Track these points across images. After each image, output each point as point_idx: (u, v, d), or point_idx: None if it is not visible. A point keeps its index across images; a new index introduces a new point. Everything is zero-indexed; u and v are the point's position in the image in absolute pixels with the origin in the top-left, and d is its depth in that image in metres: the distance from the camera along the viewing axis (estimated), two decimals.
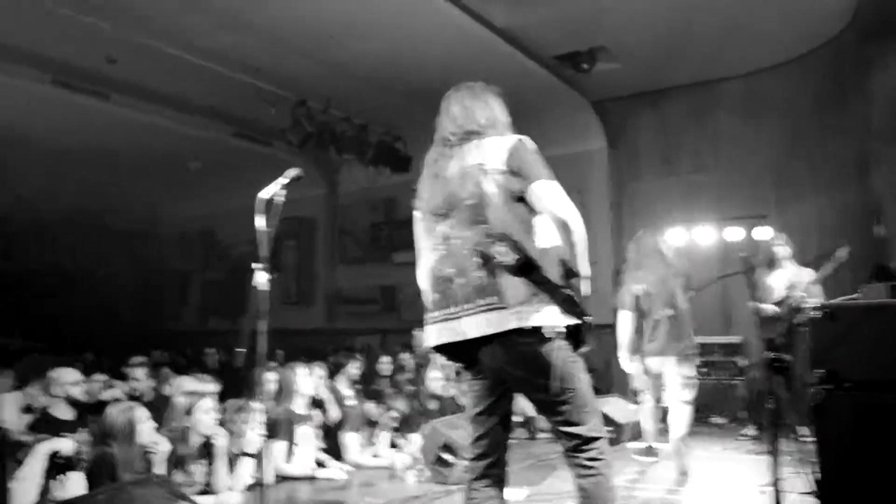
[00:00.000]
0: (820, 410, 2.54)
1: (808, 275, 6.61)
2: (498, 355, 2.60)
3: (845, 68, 8.68)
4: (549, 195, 2.59)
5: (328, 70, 9.08)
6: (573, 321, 2.59)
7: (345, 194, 13.41)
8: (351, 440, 5.65)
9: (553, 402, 2.61)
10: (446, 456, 5.06)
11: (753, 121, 9.84)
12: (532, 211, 2.63)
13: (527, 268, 2.55)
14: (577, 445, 2.62)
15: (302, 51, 8.58)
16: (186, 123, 10.57)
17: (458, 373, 2.94)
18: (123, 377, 6.39)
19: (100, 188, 13.34)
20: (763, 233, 6.71)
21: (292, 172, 3.77)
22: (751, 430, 7.10)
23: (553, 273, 2.58)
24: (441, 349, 2.76)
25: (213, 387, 5.35)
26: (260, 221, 3.68)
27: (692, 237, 9.63)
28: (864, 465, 2.41)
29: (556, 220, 2.58)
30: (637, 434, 6.97)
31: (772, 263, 6.83)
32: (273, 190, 3.75)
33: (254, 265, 3.70)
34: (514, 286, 2.53)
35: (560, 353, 2.55)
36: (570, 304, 2.58)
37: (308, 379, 5.47)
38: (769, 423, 2.25)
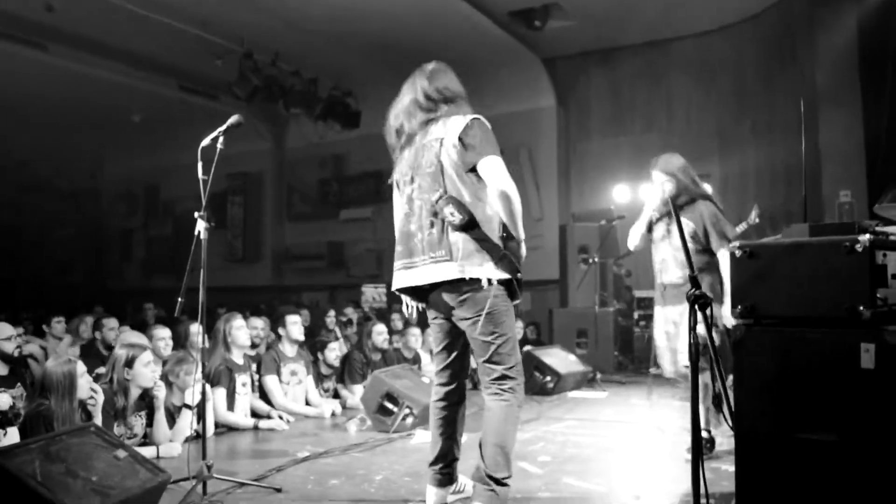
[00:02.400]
0: (739, 346, 2.60)
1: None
2: (446, 299, 3.04)
3: (792, 29, 8.81)
4: (492, 170, 2.95)
5: (278, 23, 8.88)
6: (506, 276, 2.98)
7: (292, 150, 13.17)
8: (272, 383, 5.63)
9: (484, 342, 2.98)
10: (388, 405, 5.13)
11: (703, 81, 9.97)
12: (481, 180, 2.99)
13: (471, 228, 2.96)
14: (497, 378, 3.01)
15: (250, 2, 8.39)
16: (129, 76, 10.27)
17: (417, 315, 3.37)
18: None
19: (43, 144, 12.95)
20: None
21: (233, 119, 3.75)
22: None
23: (494, 235, 3.00)
24: (403, 291, 3.22)
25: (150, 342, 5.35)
26: (201, 170, 3.65)
27: (637, 195, 9.76)
28: (780, 397, 2.49)
29: (497, 191, 2.94)
30: (578, 384, 7.13)
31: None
32: (213, 137, 3.72)
33: (195, 214, 3.67)
34: (460, 243, 2.95)
35: (493, 301, 2.95)
36: (505, 262, 2.98)
37: (244, 330, 5.48)
38: (691, 359, 2.32)
